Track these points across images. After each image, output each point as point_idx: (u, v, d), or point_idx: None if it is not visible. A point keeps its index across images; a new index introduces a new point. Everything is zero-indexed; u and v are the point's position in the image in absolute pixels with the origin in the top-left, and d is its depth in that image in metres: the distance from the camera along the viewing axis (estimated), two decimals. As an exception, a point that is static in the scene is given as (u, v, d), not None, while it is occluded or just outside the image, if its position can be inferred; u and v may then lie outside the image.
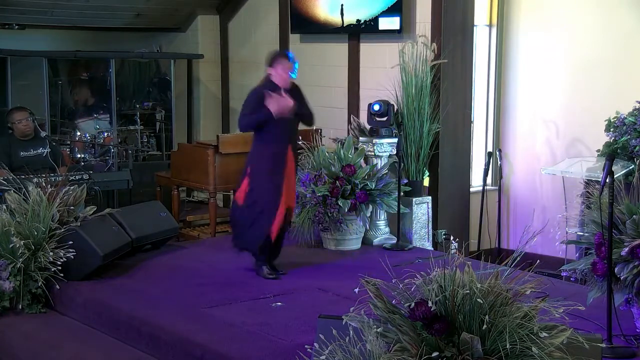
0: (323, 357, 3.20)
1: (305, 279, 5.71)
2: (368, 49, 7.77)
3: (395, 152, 6.72)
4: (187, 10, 9.66)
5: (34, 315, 5.40)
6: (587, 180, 5.87)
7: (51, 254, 5.43)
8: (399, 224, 6.67)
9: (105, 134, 9.02)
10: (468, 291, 3.10)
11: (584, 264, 4.45)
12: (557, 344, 3.05)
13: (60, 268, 5.40)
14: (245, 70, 9.21)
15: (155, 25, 9.90)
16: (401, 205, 6.60)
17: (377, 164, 6.73)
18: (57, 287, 5.42)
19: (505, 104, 7.95)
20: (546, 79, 7.61)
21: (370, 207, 6.57)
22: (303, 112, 5.79)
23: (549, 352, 3.02)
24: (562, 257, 5.64)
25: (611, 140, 6.17)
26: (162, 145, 9.69)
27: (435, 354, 3.00)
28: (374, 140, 6.77)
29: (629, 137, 6.01)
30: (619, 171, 5.63)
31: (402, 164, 6.86)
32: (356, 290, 3.25)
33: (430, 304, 3.08)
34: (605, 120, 6.28)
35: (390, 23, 7.37)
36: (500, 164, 7.31)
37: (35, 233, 5.49)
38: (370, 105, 6.92)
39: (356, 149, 6.70)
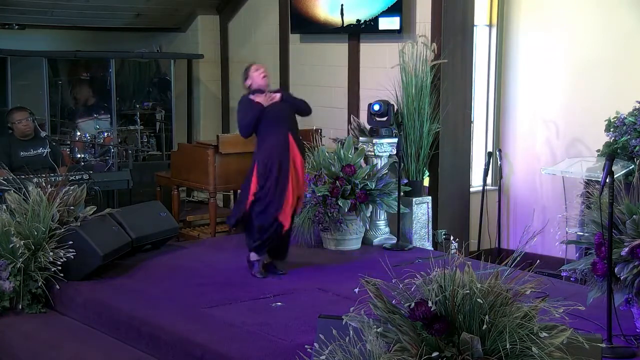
0: (323, 357, 3.20)
1: (305, 279, 5.72)
2: (368, 49, 7.76)
3: (395, 152, 6.72)
4: (187, 10, 9.66)
5: (34, 315, 5.40)
6: (587, 180, 5.87)
7: (51, 254, 5.43)
8: (399, 224, 6.67)
9: (105, 134, 9.01)
10: (468, 291, 3.10)
11: (584, 264, 4.45)
12: (557, 344, 3.04)
13: (60, 268, 5.40)
14: (245, 71, 9.21)
15: (155, 25, 9.90)
16: (401, 205, 6.60)
17: (377, 164, 6.73)
18: (57, 287, 5.42)
19: (505, 104, 7.95)
20: (546, 79, 7.60)
21: (370, 207, 6.57)
22: (294, 100, 6.02)
23: (549, 352, 3.02)
24: (562, 257, 5.64)
25: (611, 140, 6.17)
26: (162, 145, 9.68)
27: (435, 354, 3.00)
28: (374, 140, 6.77)
29: (629, 137, 6.00)
30: (619, 171, 5.62)
31: (402, 164, 6.85)
32: (356, 290, 3.25)
33: (430, 304, 3.08)
34: (605, 120, 6.27)
35: (390, 23, 7.36)
36: (500, 164, 7.32)
37: (35, 233, 5.49)
38: (370, 105, 6.91)
39: (356, 149, 6.70)
